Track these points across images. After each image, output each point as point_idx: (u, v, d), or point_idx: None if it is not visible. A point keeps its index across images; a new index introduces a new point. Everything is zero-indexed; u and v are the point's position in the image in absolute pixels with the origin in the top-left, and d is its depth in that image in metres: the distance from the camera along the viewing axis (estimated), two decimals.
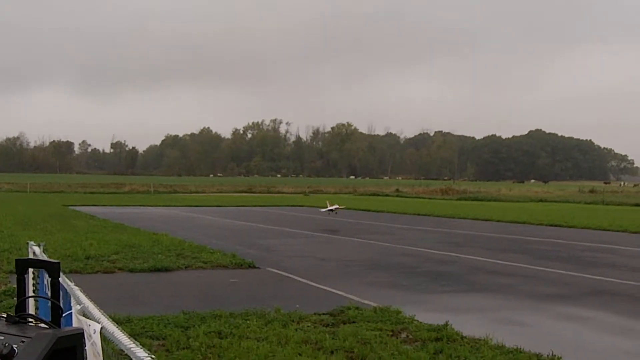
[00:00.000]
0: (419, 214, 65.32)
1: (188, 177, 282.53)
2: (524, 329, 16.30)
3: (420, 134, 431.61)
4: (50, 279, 4.29)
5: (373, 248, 34.25)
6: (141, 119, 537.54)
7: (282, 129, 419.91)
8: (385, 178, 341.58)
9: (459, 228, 48.42)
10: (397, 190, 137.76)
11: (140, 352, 4.30)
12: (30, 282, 9.82)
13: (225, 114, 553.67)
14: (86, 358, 4.69)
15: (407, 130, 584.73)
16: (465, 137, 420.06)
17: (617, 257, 31.78)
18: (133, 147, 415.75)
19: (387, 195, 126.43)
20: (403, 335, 14.79)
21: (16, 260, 4.35)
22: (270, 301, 17.99)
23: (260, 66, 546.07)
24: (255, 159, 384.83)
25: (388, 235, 41.17)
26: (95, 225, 42.40)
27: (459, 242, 38.11)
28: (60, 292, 6.59)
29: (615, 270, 27.03)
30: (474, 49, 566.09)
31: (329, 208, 49.36)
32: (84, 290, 6.58)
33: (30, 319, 3.92)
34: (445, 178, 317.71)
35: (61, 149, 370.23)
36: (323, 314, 16.69)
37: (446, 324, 15.26)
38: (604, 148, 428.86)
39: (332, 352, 13.02)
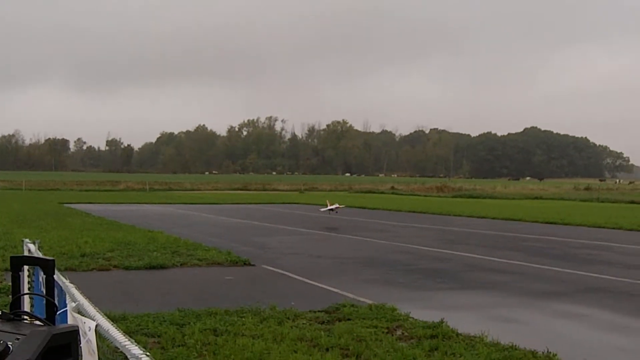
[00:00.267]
0: (414, 212, 65.34)
1: (183, 175, 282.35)
2: (519, 326, 16.32)
3: (415, 132, 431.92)
4: (45, 277, 4.29)
5: (368, 245, 34.24)
6: (136, 116, 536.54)
7: (278, 126, 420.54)
8: (380, 175, 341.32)
9: (455, 225, 48.42)
10: (393, 187, 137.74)
11: (135, 349, 4.30)
12: (26, 279, 9.81)
13: (220, 112, 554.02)
14: (81, 355, 4.69)
15: (402, 127, 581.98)
16: (461, 134, 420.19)
17: (612, 255, 31.82)
18: (128, 145, 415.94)
19: (382, 192, 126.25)
20: (398, 332, 14.80)
21: (11, 257, 4.35)
22: (265, 299, 17.98)
23: (256, 63, 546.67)
24: (250, 156, 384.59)
25: (383, 233, 41.18)
26: (90, 222, 42.37)
27: (455, 239, 38.13)
28: (55, 290, 6.59)
29: (610, 267, 27.06)
30: (469, 46, 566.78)
31: (329, 207, 48.84)
32: (79, 288, 6.58)
33: (25, 317, 3.92)
34: (441, 175, 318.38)
35: (56, 146, 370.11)
36: (318, 311, 16.69)
37: (441, 321, 15.26)
38: (600, 145, 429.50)
39: (327, 350, 13.02)
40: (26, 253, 10.65)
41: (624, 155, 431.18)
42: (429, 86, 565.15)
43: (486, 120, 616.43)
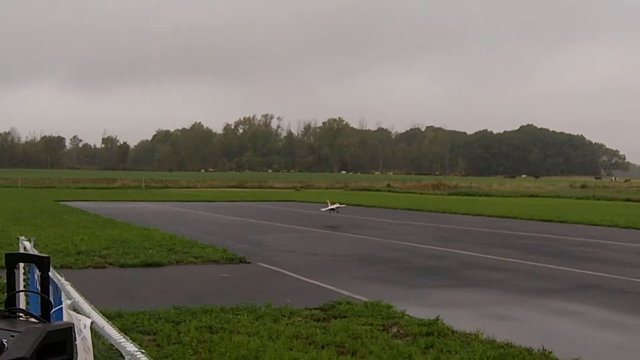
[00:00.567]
0: (410, 209, 65.40)
1: (179, 172, 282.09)
2: (515, 324, 16.35)
3: (411, 129, 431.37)
4: (40, 274, 4.30)
5: (364, 243, 34.26)
6: (132, 114, 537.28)
7: (274, 124, 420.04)
8: (376, 173, 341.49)
9: (450, 223, 48.47)
10: (389, 185, 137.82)
11: (130, 346, 4.31)
12: (21, 277, 9.82)
13: (216, 109, 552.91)
14: (76, 353, 4.69)
15: (398, 125, 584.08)
16: (457, 132, 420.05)
17: (608, 252, 31.86)
18: (124, 143, 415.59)
19: (378, 190, 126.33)
20: (394, 330, 14.82)
21: (6, 254, 4.35)
22: (261, 296, 17.99)
23: (252, 61, 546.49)
24: (246, 154, 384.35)
25: (379, 230, 41.22)
26: (86, 220, 42.36)
27: (450, 237, 38.16)
28: (51, 287, 6.59)
29: (605, 265, 27.09)
30: (465, 44, 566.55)
31: (330, 207, 48.41)
32: (74, 285, 6.58)
33: (20, 314, 3.92)
34: (437, 173, 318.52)
35: (52, 144, 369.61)
36: (314, 308, 16.71)
37: (437, 319, 15.28)
38: (595, 143, 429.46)
39: (322, 347, 13.04)
40: (22, 251, 10.66)
41: (620, 153, 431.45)
42: (425, 84, 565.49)
43: (482, 118, 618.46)
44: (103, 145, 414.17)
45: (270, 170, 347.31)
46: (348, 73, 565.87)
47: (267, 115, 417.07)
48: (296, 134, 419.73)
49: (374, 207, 69.04)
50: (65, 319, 5.63)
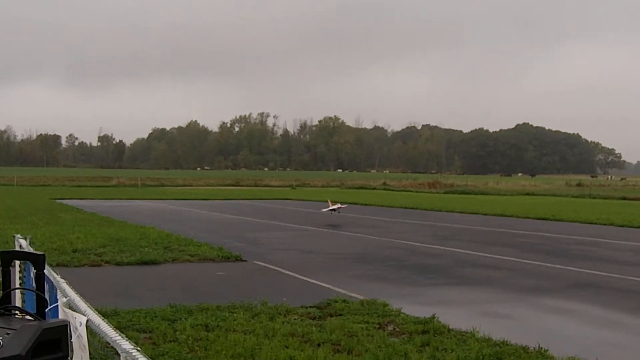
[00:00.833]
0: (406, 207, 65.36)
1: (175, 171, 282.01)
2: (511, 322, 16.36)
3: (407, 128, 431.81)
4: (35, 271, 4.30)
5: (360, 241, 34.25)
6: (128, 112, 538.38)
7: (270, 122, 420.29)
8: (372, 171, 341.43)
9: (446, 221, 48.46)
10: (385, 183, 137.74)
11: (125, 344, 4.30)
12: (17, 274, 9.81)
13: (212, 107, 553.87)
14: (72, 350, 4.69)
15: (394, 123, 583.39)
16: (453, 130, 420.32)
17: (604, 251, 31.89)
18: (120, 141, 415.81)
19: (374, 188, 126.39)
20: (390, 328, 14.82)
21: (1, 252, 4.35)
22: (257, 294, 18.00)
23: (248, 59, 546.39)
24: (242, 152, 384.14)
25: (375, 229, 41.22)
26: (82, 218, 42.33)
27: (446, 235, 38.16)
28: (47, 285, 6.59)
29: (601, 263, 27.10)
30: (461, 42, 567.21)
31: (331, 207, 48.00)
32: (70, 283, 6.58)
33: (16, 312, 3.92)
34: (433, 171, 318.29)
35: (48, 142, 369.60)
36: (310, 306, 16.70)
37: (433, 317, 15.29)
38: (591, 142, 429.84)
39: (318, 345, 13.03)
40: (17, 249, 10.65)
41: (616, 152, 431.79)
42: (421, 82, 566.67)
43: (478, 117, 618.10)
44: (99, 144, 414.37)
45: (266, 169, 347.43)
46: (344, 71, 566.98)
47: (263, 113, 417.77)
48: (292, 132, 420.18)
49: (370, 205, 69.02)
50: (61, 316, 5.63)
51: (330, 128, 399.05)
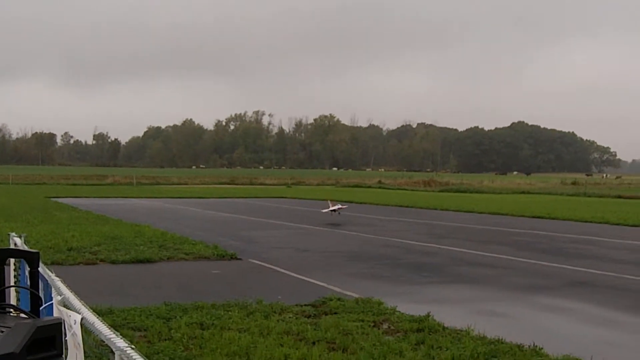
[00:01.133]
0: (401, 206, 65.39)
1: (170, 169, 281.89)
2: (506, 320, 16.38)
3: (402, 126, 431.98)
4: (29, 269, 4.30)
5: (355, 240, 34.27)
6: (124, 110, 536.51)
7: (265, 120, 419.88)
8: (367, 170, 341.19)
9: (442, 220, 48.50)
10: (380, 181, 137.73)
11: (120, 342, 4.30)
12: (12, 272, 9.80)
13: (207, 106, 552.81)
14: (66, 348, 4.69)
15: (389, 122, 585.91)
16: (448, 129, 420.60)
17: (599, 249, 31.92)
18: (115, 139, 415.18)
19: (369, 186, 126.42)
20: (385, 326, 14.83)
21: None
22: (252, 292, 18.00)
23: (243, 58, 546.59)
24: (237, 150, 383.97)
25: (370, 227, 41.23)
26: (77, 217, 42.33)
27: (442, 233, 38.18)
28: (41, 283, 6.58)
29: (597, 261, 27.13)
30: (457, 41, 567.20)
31: (331, 208, 47.61)
32: (65, 282, 6.57)
33: (10, 309, 3.92)
34: (428, 170, 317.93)
35: (43, 140, 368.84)
36: (305, 305, 16.72)
37: (428, 315, 15.31)
38: (587, 140, 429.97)
39: (313, 343, 13.04)
40: (12, 247, 10.64)
41: (611, 150, 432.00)
42: (417, 81, 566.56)
43: (473, 115, 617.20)
44: (94, 142, 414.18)
45: (261, 167, 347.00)
46: (339, 70, 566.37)
47: (258, 111, 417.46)
48: (287, 131, 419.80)
49: (365, 203, 69.01)
50: (55, 314, 5.63)
51: (326, 126, 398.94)
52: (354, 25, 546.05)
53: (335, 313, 15.80)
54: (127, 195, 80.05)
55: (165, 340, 13.07)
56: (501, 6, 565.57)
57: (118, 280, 20.87)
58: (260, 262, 25.18)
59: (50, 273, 6.95)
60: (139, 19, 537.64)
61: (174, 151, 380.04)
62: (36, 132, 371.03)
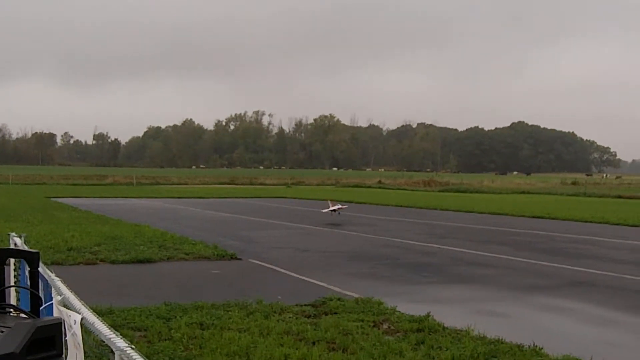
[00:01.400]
0: (401, 206, 65.36)
1: (170, 169, 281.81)
2: (506, 320, 16.39)
3: (402, 126, 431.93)
4: (29, 269, 4.30)
5: (355, 239, 34.27)
6: (124, 110, 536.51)
7: (265, 120, 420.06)
8: (367, 169, 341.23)
9: (442, 219, 48.49)
10: (380, 181, 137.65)
11: (120, 342, 4.31)
12: (12, 272, 9.80)
13: (207, 106, 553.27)
14: (66, 348, 4.69)
15: (389, 121, 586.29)
16: (448, 128, 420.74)
17: (599, 249, 31.93)
18: (115, 139, 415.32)
19: (369, 186, 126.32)
20: (385, 326, 14.82)
21: None
22: (252, 292, 18.00)
23: (243, 58, 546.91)
24: (237, 150, 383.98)
25: (370, 227, 41.21)
26: (77, 216, 42.33)
27: (441, 233, 38.18)
28: (41, 283, 6.58)
29: (596, 261, 27.14)
30: (457, 40, 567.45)
31: (332, 208, 47.37)
32: (65, 281, 6.57)
33: (10, 309, 3.92)
34: (428, 170, 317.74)
35: (43, 140, 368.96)
36: (305, 305, 16.71)
37: (428, 315, 15.30)
38: (587, 140, 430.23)
39: (313, 343, 13.03)
40: (12, 247, 10.64)
41: (611, 150, 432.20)
42: (417, 80, 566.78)
43: (473, 115, 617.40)
44: (94, 142, 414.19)
45: (261, 167, 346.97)
46: (339, 70, 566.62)
47: (258, 111, 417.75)
48: (287, 131, 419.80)
49: (365, 203, 68.96)
50: (55, 314, 5.64)
51: (326, 126, 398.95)
52: (354, 25, 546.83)
53: (335, 313, 15.79)
54: (127, 195, 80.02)
55: (165, 340, 13.07)
56: (501, 5, 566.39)
57: (118, 280, 20.88)
58: (260, 262, 25.18)
59: (50, 273, 6.95)
60: (139, 19, 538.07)
61: (174, 151, 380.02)
62: (36, 132, 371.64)
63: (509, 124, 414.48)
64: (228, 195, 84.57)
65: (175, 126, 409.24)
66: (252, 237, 34.12)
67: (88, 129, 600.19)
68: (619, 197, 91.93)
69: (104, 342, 4.64)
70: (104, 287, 19.19)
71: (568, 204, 70.94)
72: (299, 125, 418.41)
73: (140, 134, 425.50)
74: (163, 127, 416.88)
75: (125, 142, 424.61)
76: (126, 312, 15.18)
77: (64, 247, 26.47)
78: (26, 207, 51.43)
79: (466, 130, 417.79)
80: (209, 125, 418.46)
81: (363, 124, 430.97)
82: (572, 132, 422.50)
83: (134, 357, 4.12)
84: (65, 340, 4.66)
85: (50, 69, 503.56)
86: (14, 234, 11.42)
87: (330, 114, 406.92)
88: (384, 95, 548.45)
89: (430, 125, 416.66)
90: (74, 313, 5.12)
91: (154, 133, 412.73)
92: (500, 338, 13.54)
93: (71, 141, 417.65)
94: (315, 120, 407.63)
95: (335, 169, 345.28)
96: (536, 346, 13.05)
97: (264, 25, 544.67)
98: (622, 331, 15.79)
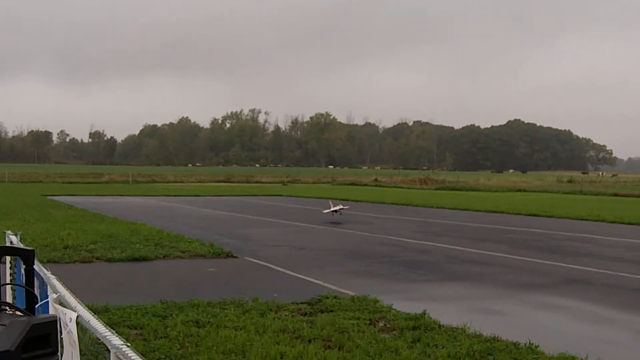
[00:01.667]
0: (397, 204, 65.36)
1: (167, 167, 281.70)
2: (502, 318, 16.38)
3: (399, 124, 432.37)
4: (24, 267, 4.29)
5: (351, 237, 34.27)
6: (120, 108, 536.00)
7: (261, 118, 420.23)
8: (364, 168, 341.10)
9: (438, 217, 48.49)
10: (376, 179, 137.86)
11: (115, 340, 4.30)
12: (8, 270, 9.80)
13: (203, 104, 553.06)
14: (62, 346, 4.69)
15: (385, 120, 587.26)
16: (444, 126, 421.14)
17: (595, 247, 31.94)
18: (111, 137, 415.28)
19: (365, 184, 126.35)
20: (381, 324, 14.82)
21: None
22: (248, 290, 17.99)
23: (239, 56, 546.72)
24: (233, 148, 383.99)
25: (366, 225, 41.22)
26: (73, 215, 42.29)
27: (437, 231, 38.19)
28: (37, 281, 6.58)
29: (593, 259, 27.15)
30: (453, 39, 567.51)
31: (333, 209, 47.30)
32: (60, 279, 6.57)
33: (6, 307, 3.92)
34: (424, 168, 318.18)
35: (39, 138, 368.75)
36: (301, 303, 16.71)
37: (424, 313, 15.31)
38: (583, 138, 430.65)
39: (309, 341, 13.03)
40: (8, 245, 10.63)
41: (607, 148, 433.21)
42: (413, 79, 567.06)
43: (470, 113, 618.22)
44: (90, 140, 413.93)
45: (257, 165, 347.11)
46: (335, 67, 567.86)
47: (254, 109, 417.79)
48: (283, 129, 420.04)
49: (361, 201, 68.90)
50: (51, 312, 5.63)
51: (322, 124, 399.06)
52: (350, 23, 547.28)
53: (331, 311, 15.79)
54: (123, 193, 79.96)
55: (161, 338, 13.06)
56: (498, 4, 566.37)
57: (114, 278, 20.86)
58: (256, 260, 25.18)
59: (46, 271, 6.95)
60: (135, 17, 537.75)
61: (170, 149, 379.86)
62: (32, 130, 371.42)
63: (505, 122, 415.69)
64: (224, 193, 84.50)
65: (171, 124, 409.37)
66: (248, 235, 34.12)
67: (84, 127, 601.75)
68: (615, 195, 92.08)
69: (100, 340, 4.64)
70: (100, 285, 19.17)
71: (564, 202, 71.00)
72: (295, 123, 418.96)
73: (137, 132, 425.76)
74: (159, 125, 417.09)
75: (122, 140, 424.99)
76: (122, 310, 15.17)
77: (60, 245, 26.45)
78: (22, 205, 51.38)
79: (462, 128, 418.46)
80: (205, 123, 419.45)
81: (359, 122, 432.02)
82: (569, 130, 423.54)
83: (129, 355, 4.12)
84: (61, 338, 4.66)
85: (46, 67, 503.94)
86: (9, 232, 11.42)
87: (327, 112, 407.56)
88: (380, 93, 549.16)
89: (427, 123, 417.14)
90: (69, 311, 5.12)
91: (150, 131, 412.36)
92: (496, 336, 13.55)
93: (67, 139, 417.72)
94: (311, 118, 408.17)
95: (331, 167, 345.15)
96: (532, 344, 13.05)
97: (261, 23, 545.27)
98: (617, 329, 15.79)
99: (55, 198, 64.36)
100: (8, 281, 9.44)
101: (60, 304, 5.65)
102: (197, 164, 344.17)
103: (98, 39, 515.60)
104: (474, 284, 21.28)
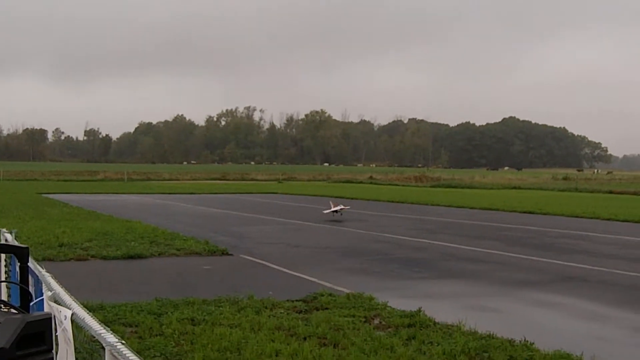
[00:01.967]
0: (392, 201, 65.40)
1: (162, 165, 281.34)
2: (497, 315, 16.40)
3: (394, 121, 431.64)
4: (19, 265, 4.29)
5: (346, 235, 34.28)
6: (115, 106, 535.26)
7: (256, 116, 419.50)
8: (359, 165, 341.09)
9: (433, 215, 48.51)
10: (371, 177, 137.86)
11: (110, 337, 4.30)
12: (2, 268, 9.80)
13: (199, 101, 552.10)
14: (57, 344, 4.68)
15: (380, 117, 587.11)
16: (439, 124, 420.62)
17: (590, 244, 31.98)
18: (107, 135, 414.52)
19: (361, 182, 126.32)
20: (376, 321, 14.84)
21: None
22: (243, 288, 17.99)
23: (234, 53, 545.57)
24: (229, 146, 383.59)
25: (362, 222, 41.23)
26: (68, 212, 42.24)
27: (433, 229, 38.21)
28: (32, 279, 6.57)
29: (588, 256, 27.19)
30: (448, 36, 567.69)
31: (333, 209, 47.18)
32: (55, 277, 6.56)
33: (1, 305, 3.92)
34: (419, 165, 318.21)
35: (35, 136, 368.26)
36: (296, 300, 16.73)
37: (419, 310, 15.32)
38: (578, 135, 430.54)
39: (305, 339, 13.03)
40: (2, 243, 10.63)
41: (602, 146, 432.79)
42: (408, 76, 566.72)
43: (465, 110, 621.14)
44: (85, 138, 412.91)
45: (252, 163, 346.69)
46: (331, 65, 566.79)
47: (249, 107, 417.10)
48: (279, 126, 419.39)
49: (357, 199, 68.87)
50: (46, 310, 5.63)
51: (317, 122, 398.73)
52: (345, 21, 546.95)
53: (327, 308, 15.80)
54: (118, 191, 79.86)
55: (157, 335, 13.06)
56: (493, 2, 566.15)
57: (109, 276, 20.86)
58: (251, 258, 25.19)
59: (41, 269, 6.94)
60: (130, 15, 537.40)
61: (165, 147, 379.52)
62: (27, 128, 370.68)
63: (500, 119, 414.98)
64: (219, 191, 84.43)
65: (166, 122, 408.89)
66: (243, 233, 34.11)
67: (79, 125, 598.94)
68: (610, 192, 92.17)
69: (95, 337, 4.63)
70: (95, 283, 19.17)
71: (559, 200, 71.09)
72: (290, 120, 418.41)
73: (132, 130, 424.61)
74: (154, 122, 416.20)
75: (117, 138, 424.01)
76: (117, 307, 15.17)
77: (55, 243, 26.43)
78: (17, 203, 51.31)
79: (457, 125, 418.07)
80: (200, 121, 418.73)
81: (354, 119, 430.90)
82: (564, 128, 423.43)
83: (124, 352, 4.12)
84: (56, 336, 4.66)
85: (41, 65, 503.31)
86: (4, 230, 11.42)
87: (322, 110, 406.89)
88: (375, 91, 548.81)
89: (422, 120, 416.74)
90: (64, 309, 5.11)
91: (145, 129, 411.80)
92: (492, 333, 13.56)
93: (62, 137, 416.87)
94: (306, 115, 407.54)
95: (326, 164, 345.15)
96: (527, 341, 13.07)
97: (256, 21, 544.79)
98: (613, 326, 15.81)
99: (51, 196, 64.24)
100: (3, 279, 9.44)
101: (56, 301, 5.64)
102: (192, 162, 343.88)
103: (93, 37, 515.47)
104: (469, 281, 21.30)
